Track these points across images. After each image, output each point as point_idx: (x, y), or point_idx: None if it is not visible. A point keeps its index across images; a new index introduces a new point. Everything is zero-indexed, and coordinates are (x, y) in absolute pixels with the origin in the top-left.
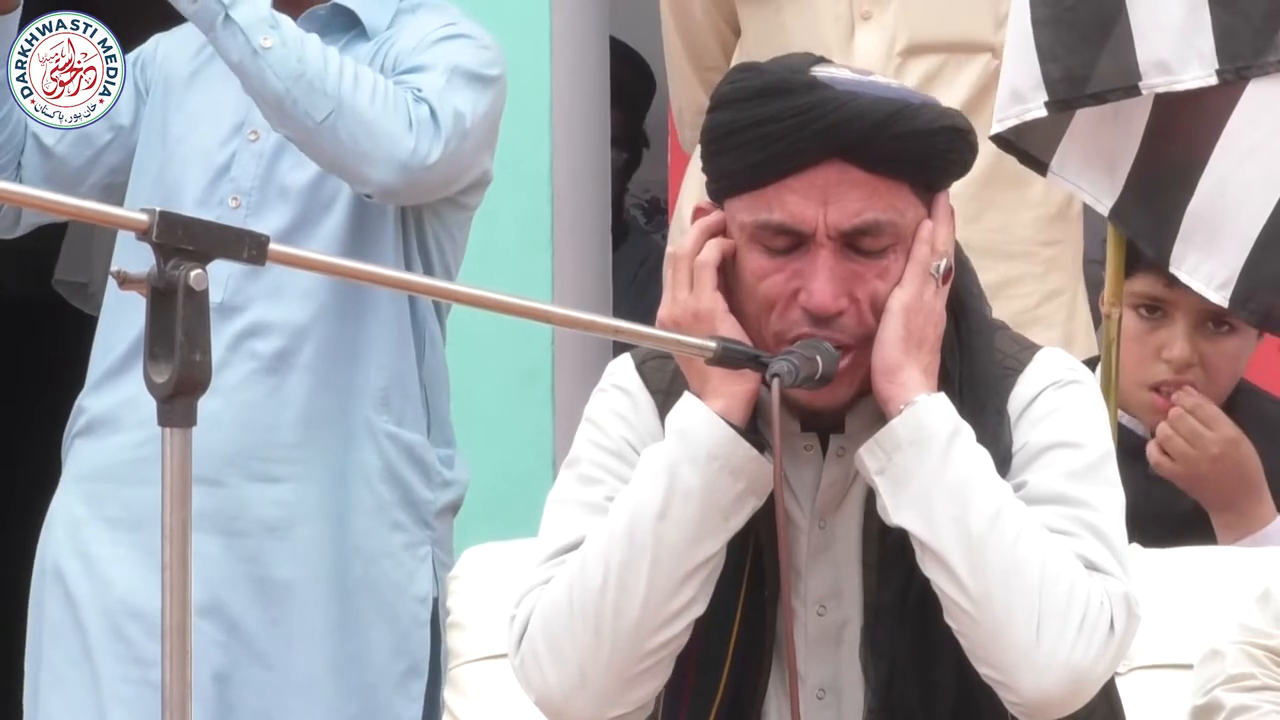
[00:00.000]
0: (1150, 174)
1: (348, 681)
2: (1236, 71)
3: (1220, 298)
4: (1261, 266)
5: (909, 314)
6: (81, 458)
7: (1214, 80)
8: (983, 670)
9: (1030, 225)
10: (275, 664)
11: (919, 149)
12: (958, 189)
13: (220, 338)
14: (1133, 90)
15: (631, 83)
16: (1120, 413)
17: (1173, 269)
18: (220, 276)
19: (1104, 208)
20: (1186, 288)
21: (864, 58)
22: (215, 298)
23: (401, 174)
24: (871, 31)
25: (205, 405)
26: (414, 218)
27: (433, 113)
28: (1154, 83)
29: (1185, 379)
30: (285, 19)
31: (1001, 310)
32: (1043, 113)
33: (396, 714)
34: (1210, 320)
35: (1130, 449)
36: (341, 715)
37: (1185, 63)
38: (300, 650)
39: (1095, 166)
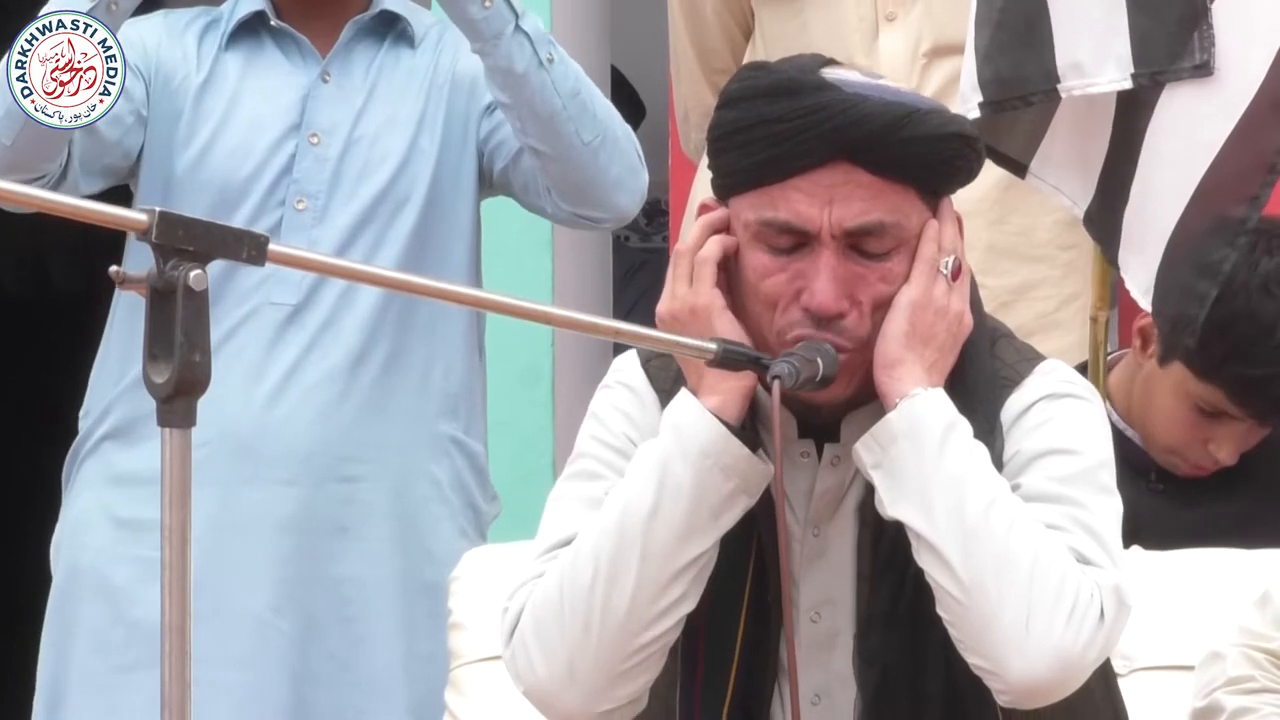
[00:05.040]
0: (1107, 176)
1: (417, 682)
2: (1151, 76)
3: (1145, 302)
4: (1169, 275)
5: (915, 310)
6: (115, 461)
7: (1129, 84)
8: (971, 660)
9: (1051, 229)
10: (350, 663)
11: (926, 154)
12: (983, 192)
13: (296, 339)
14: (1052, 93)
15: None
16: (1126, 426)
17: (1121, 272)
18: (294, 279)
19: (1079, 210)
20: (1251, 406)
21: (888, 59)
22: (290, 299)
23: (639, 204)
24: (896, 33)
25: (282, 406)
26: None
27: (636, 142)
28: (1070, 85)
29: (1217, 468)
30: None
31: (1023, 314)
32: (978, 113)
33: None
34: (1258, 425)
35: (1135, 464)
36: (412, 715)
37: (1101, 66)
38: (374, 650)
39: (1073, 169)
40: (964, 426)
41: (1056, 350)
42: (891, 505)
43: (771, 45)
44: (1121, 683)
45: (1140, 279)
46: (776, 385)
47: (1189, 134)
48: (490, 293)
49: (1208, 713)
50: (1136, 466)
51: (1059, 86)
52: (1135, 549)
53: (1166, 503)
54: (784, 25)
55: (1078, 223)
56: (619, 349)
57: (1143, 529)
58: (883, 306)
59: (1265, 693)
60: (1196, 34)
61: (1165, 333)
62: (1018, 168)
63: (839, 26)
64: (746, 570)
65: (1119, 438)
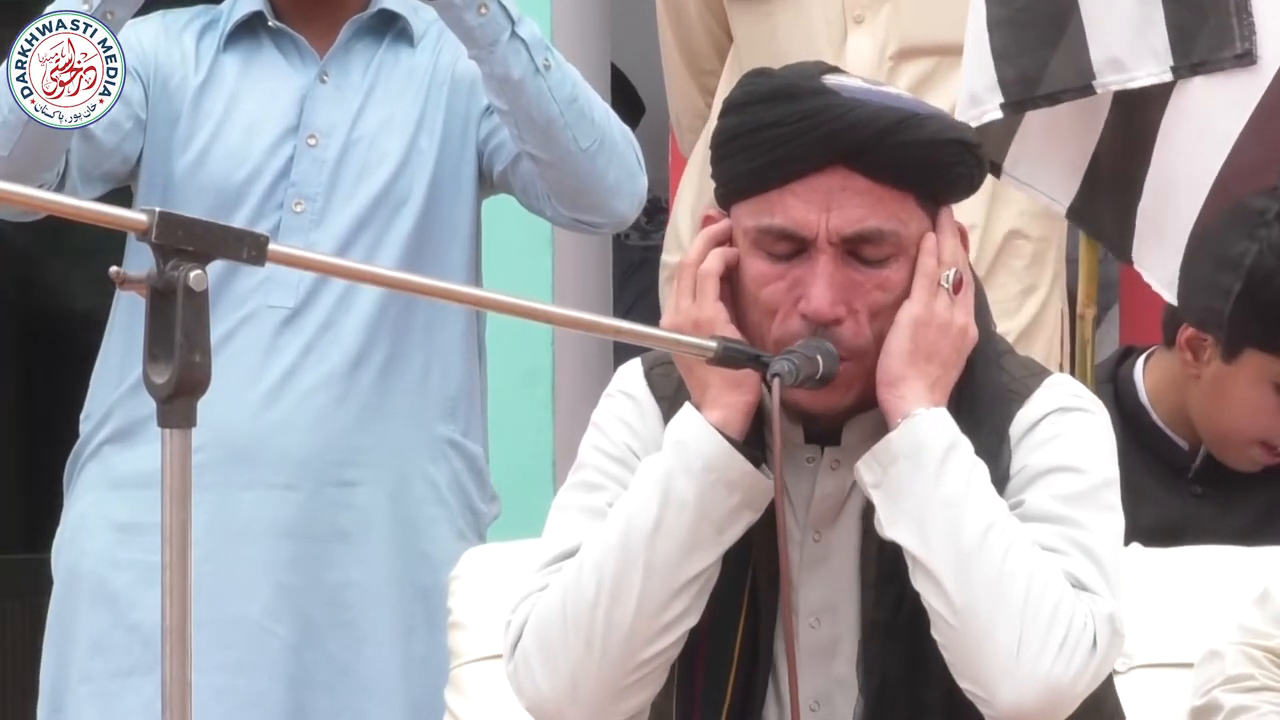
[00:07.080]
0: (1108, 171)
1: (416, 685)
2: (1192, 68)
3: (1170, 296)
4: (1193, 270)
5: (917, 326)
6: (115, 464)
7: (1169, 77)
8: (963, 684)
9: (1016, 219)
10: (349, 667)
11: (924, 159)
12: None
13: (293, 343)
14: (1086, 90)
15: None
16: (1165, 428)
17: (1136, 266)
18: (292, 281)
19: (1061, 207)
20: None
21: (856, 61)
22: (288, 302)
23: (638, 208)
24: (863, 35)
25: (279, 410)
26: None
27: (636, 145)
28: (1107, 81)
29: None
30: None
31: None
32: (998, 115)
33: None
34: None
35: (1176, 466)
36: (411, 719)
37: (1139, 60)
38: (373, 654)
39: (1051, 166)
40: (965, 446)
41: (1003, 333)
42: (890, 526)
43: (745, 48)
44: (1121, 680)
45: (1162, 274)
46: (776, 383)
47: (1204, 126)
48: (490, 292)
49: (1206, 711)
50: (1176, 468)
51: (1094, 83)
52: (1135, 546)
53: (1209, 509)
54: (756, 28)
55: (1045, 214)
56: (619, 347)
57: (1185, 535)
58: (880, 315)
59: (1264, 690)
60: (1236, 22)
61: (1194, 325)
62: (992, 167)
63: (807, 29)
64: (745, 580)
65: (1159, 438)
